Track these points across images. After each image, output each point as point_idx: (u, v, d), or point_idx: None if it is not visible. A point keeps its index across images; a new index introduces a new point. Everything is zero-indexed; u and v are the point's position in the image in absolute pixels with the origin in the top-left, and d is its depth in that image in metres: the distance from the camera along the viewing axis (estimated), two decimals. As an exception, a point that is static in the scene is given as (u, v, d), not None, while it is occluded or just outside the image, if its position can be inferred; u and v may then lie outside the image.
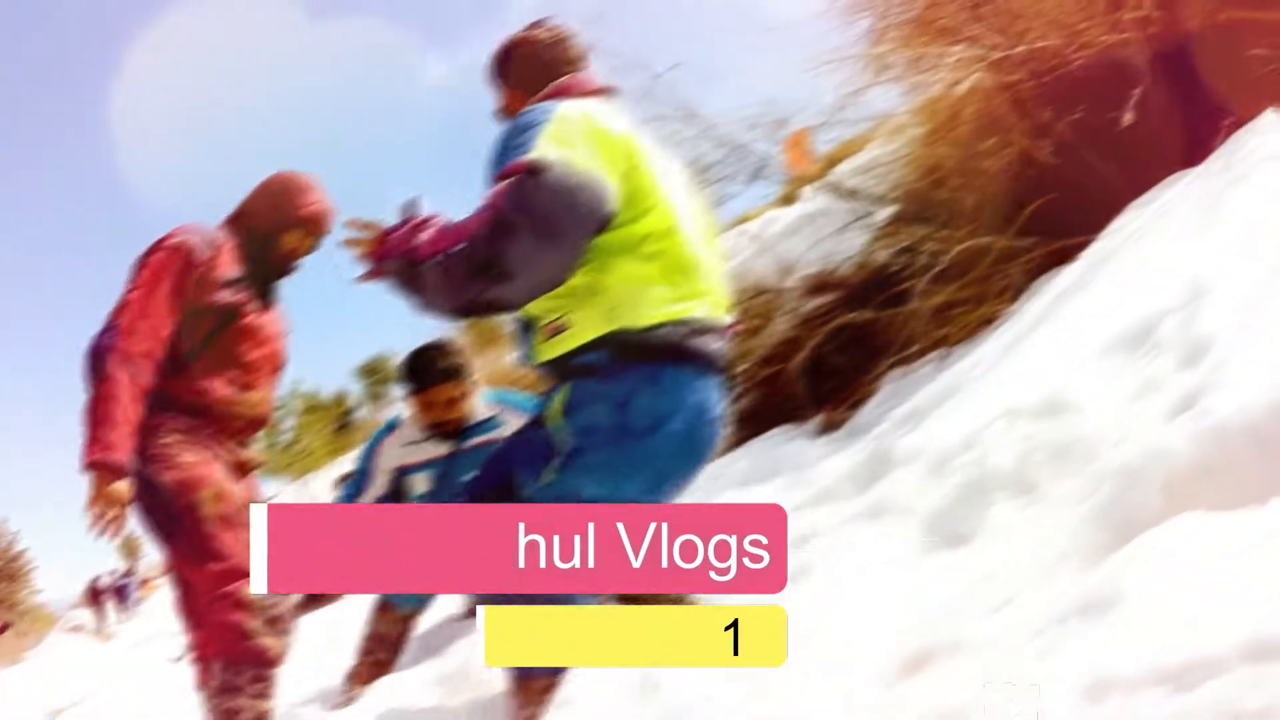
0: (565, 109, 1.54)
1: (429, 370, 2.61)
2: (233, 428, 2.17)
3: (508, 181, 1.43)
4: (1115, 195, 3.08)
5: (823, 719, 1.09)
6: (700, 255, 1.60)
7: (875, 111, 4.72)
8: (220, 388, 2.11)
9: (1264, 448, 1.10)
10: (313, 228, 2.23)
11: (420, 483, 2.75)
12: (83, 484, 1.99)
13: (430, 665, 2.25)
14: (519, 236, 1.41)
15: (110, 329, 2.00)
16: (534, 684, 1.55)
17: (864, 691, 1.12)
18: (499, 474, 1.76)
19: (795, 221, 5.58)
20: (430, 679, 2.20)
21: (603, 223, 1.47)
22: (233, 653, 1.90)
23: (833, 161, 6.06)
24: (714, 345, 1.57)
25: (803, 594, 1.56)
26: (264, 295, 2.26)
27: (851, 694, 1.12)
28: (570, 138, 1.48)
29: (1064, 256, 3.06)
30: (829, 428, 3.65)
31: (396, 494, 2.83)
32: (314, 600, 5.73)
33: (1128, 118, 2.67)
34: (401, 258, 1.53)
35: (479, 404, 2.75)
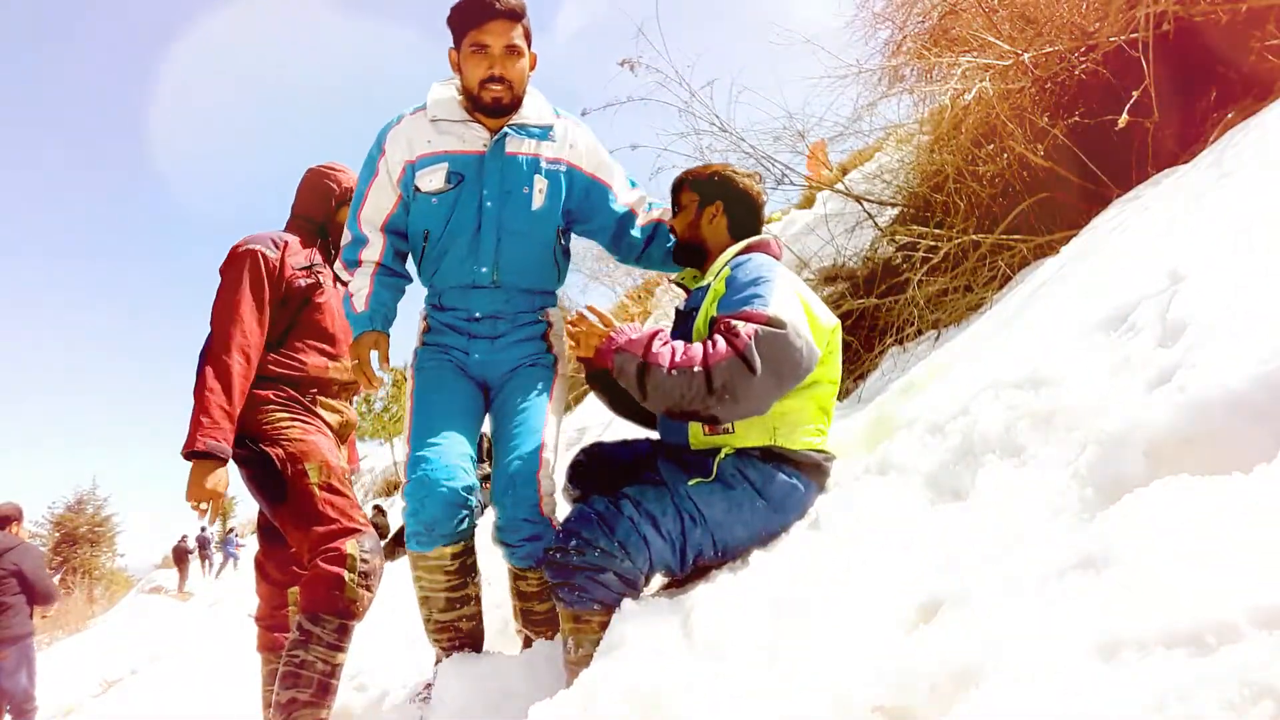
0: (785, 273, 1.66)
1: (487, 3, 1.75)
2: (329, 391, 2.17)
3: (755, 329, 1.51)
4: (1104, 194, 2.91)
5: (843, 664, 1.02)
6: (834, 402, 1.76)
7: (885, 122, 4.58)
8: (313, 358, 2.12)
9: (1243, 420, 0.99)
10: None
11: (434, 177, 1.87)
12: (171, 450, 1.92)
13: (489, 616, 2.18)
14: (756, 377, 1.49)
15: (214, 329, 1.97)
16: (590, 622, 1.54)
17: (880, 642, 1.04)
18: (636, 453, 1.88)
19: (813, 221, 5.50)
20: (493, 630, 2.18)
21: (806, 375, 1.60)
22: (327, 603, 1.84)
23: (846, 170, 5.95)
24: (830, 468, 1.72)
25: (823, 540, 1.50)
26: (337, 273, 2.28)
27: (869, 644, 1.05)
28: (795, 301, 1.60)
29: (1049, 250, 2.91)
30: (840, 396, 3.59)
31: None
32: (393, 553, 5.76)
33: (1124, 119, 2.48)
34: (635, 357, 1.57)
35: (537, 105, 1.93)
